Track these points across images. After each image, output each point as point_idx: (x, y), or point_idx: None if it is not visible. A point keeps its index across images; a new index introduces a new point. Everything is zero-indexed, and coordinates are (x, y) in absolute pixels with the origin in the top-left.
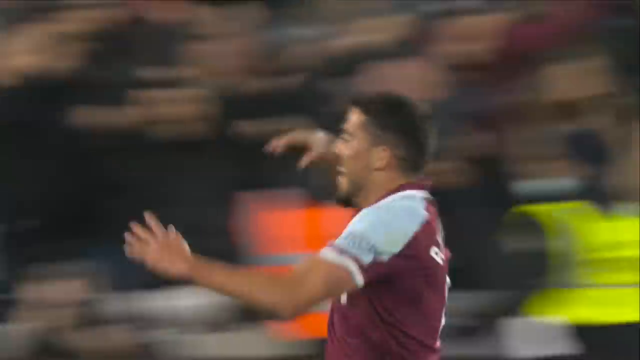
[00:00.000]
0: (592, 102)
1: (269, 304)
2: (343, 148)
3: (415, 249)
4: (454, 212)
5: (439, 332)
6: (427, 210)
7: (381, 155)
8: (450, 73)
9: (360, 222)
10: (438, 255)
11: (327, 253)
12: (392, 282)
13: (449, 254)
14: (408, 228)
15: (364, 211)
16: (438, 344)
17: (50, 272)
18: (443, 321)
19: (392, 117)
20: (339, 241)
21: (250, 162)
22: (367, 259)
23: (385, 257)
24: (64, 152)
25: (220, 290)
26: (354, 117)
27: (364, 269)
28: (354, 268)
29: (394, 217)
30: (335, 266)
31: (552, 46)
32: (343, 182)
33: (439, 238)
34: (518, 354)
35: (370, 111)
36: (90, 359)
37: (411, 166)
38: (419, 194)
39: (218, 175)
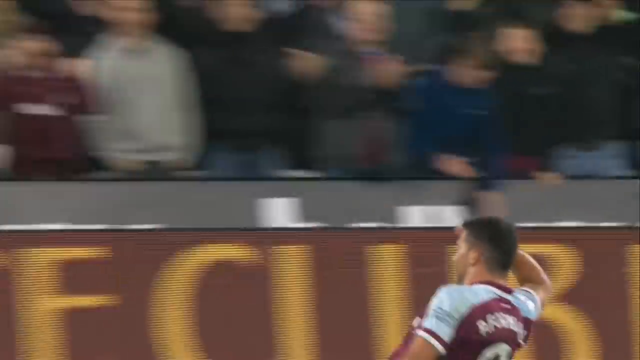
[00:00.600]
0: None
1: None
2: (455, 254)
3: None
4: None
5: None
6: (492, 301)
7: (473, 256)
8: None
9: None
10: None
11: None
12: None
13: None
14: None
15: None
16: None
17: None
18: None
19: (483, 230)
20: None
21: None
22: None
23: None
24: None
25: None
26: (461, 234)
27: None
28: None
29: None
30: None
31: None
32: (455, 276)
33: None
34: None
35: (468, 227)
36: None
37: (496, 264)
38: (494, 289)
39: None
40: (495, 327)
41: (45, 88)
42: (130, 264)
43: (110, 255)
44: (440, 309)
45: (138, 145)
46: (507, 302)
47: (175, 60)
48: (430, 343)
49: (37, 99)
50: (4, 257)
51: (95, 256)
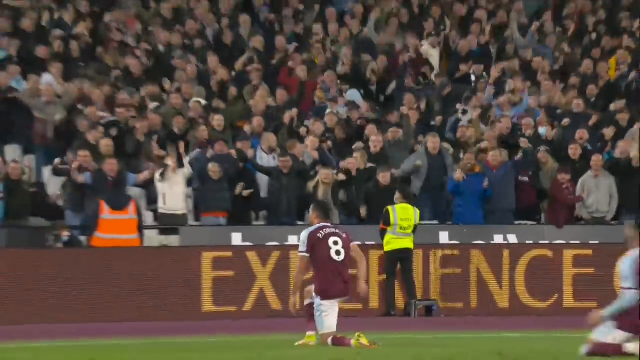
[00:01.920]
0: None
1: None
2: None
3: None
4: None
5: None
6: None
7: (313, 216)
8: None
9: None
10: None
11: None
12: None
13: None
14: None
15: None
16: None
17: None
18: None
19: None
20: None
21: None
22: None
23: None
24: None
25: None
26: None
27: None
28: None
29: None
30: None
31: None
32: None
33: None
34: None
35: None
36: None
37: (323, 217)
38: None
39: None
40: (325, 233)
41: None
42: None
43: None
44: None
45: None
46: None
47: None
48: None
49: None
50: None
51: None
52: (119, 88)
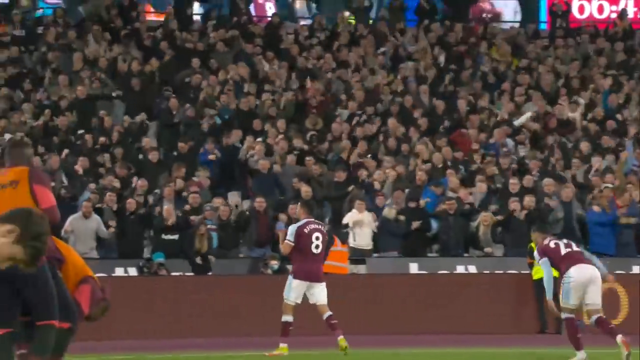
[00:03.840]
0: None
1: None
2: None
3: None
4: None
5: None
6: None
7: (300, 212)
8: None
9: None
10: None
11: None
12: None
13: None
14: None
15: None
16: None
17: None
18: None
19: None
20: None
21: None
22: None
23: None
24: None
25: None
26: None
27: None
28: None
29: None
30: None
31: None
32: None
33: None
34: None
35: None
36: None
37: (310, 212)
38: (309, 219)
39: None
40: (310, 229)
41: None
42: None
43: None
44: (290, 231)
45: None
46: (316, 223)
47: None
48: (288, 243)
49: None
50: None
51: None
52: None
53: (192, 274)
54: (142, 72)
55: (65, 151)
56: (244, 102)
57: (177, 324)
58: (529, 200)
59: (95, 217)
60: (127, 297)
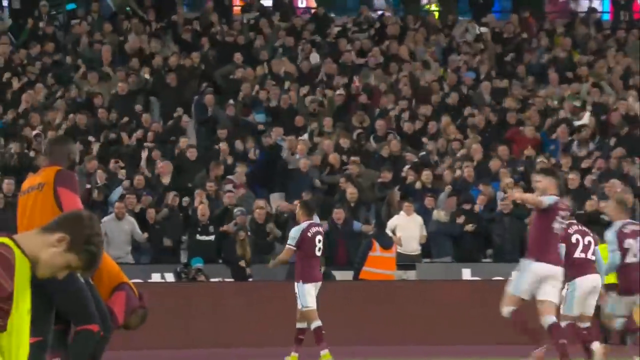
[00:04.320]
0: None
1: None
2: None
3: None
4: None
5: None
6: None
7: (299, 213)
8: None
9: None
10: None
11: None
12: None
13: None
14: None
15: None
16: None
17: None
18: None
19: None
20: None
21: None
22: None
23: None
24: None
25: None
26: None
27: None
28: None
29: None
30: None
31: None
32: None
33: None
34: None
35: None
36: None
37: (310, 213)
38: (313, 221)
39: None
40: (313, 232)
41: None
42: None
43: None
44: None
45: None
46: (317, 225)
47: None
48: (291, 248)
49: None
50: None
51: None
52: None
53: (231, 279)
54: (181, 67)
55: (99, 150)
56: (284, 99)
57: (217, 332)
58: (590, 203)
59: (130, 219)
60: (163, 304)
